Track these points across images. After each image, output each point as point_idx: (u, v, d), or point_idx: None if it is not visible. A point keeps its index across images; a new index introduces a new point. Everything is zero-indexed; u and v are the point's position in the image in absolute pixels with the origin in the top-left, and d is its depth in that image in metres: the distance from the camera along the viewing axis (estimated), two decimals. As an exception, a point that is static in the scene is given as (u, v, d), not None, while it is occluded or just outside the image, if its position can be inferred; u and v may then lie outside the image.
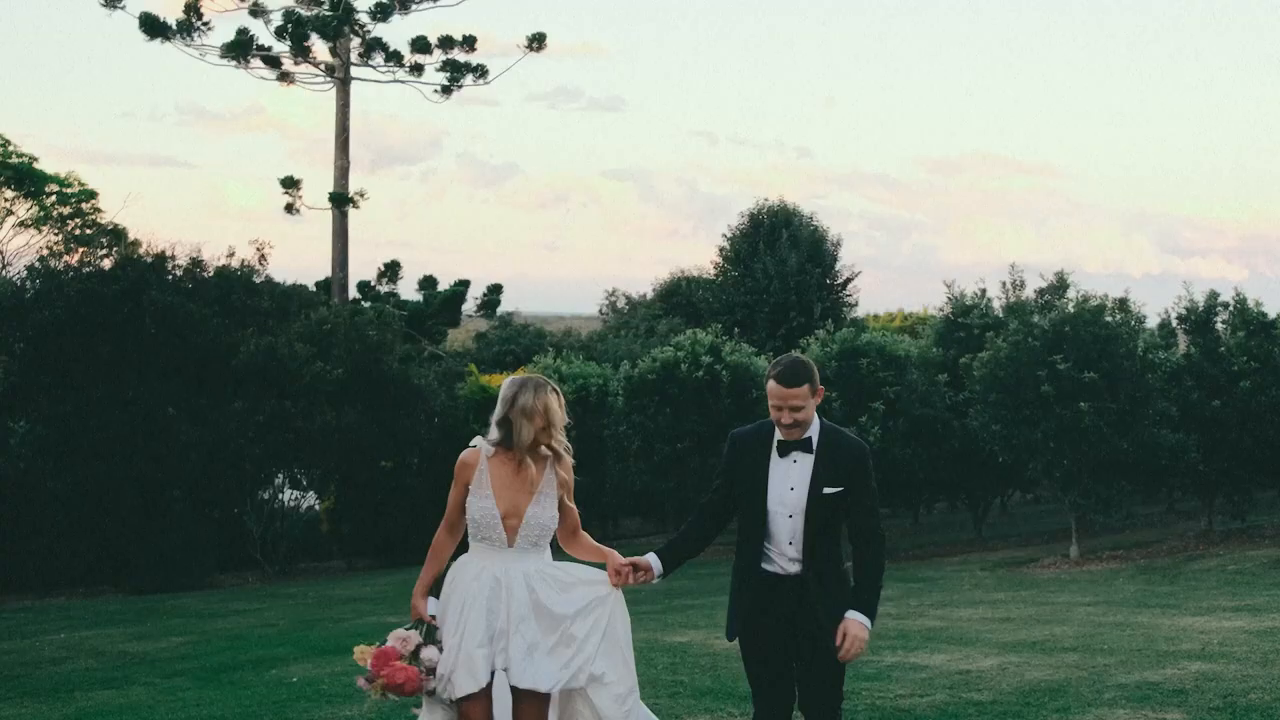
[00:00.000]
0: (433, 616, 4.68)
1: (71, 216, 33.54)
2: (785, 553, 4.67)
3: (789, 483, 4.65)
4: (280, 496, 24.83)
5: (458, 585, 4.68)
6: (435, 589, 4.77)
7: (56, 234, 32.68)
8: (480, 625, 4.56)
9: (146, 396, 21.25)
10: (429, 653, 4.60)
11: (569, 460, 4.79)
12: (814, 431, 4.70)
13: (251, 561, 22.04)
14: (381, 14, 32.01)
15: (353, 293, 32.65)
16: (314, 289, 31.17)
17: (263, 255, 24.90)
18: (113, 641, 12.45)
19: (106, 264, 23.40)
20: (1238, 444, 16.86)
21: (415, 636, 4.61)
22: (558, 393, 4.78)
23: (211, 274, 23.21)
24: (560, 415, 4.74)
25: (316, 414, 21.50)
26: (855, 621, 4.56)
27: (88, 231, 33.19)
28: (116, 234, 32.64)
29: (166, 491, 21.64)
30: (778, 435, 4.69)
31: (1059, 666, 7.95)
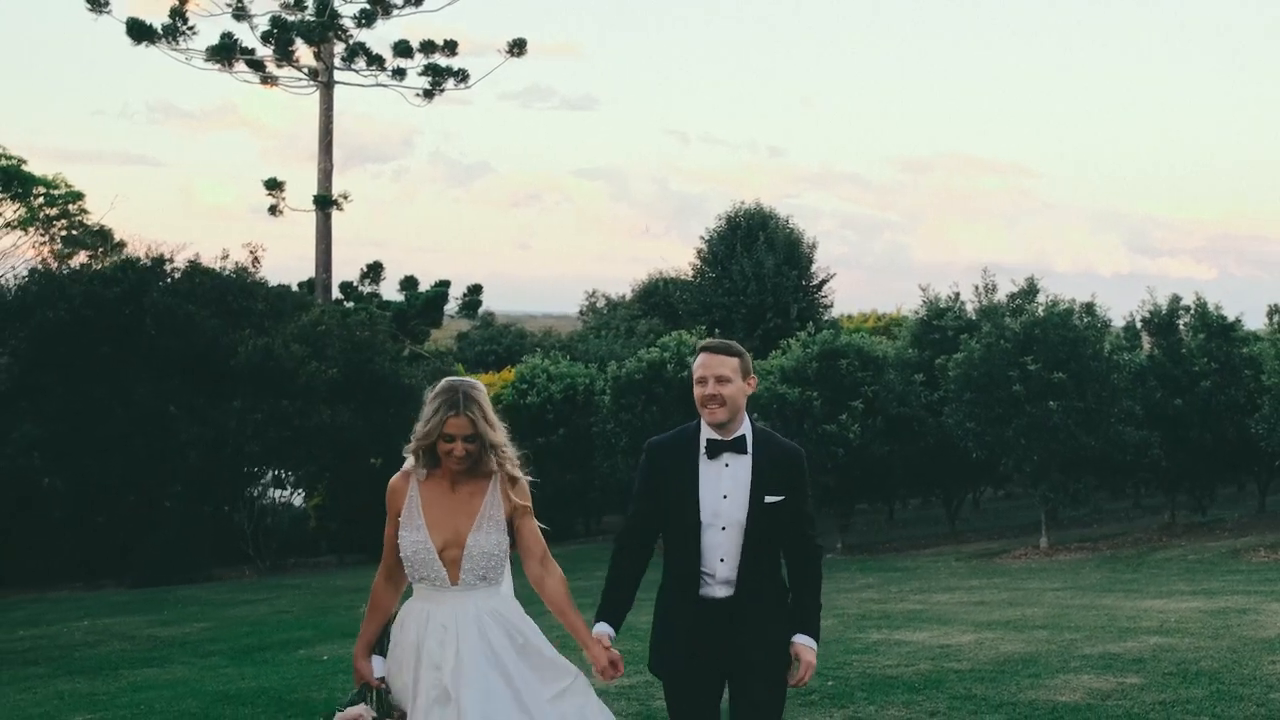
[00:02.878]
0: (380, 680, 4.09)
1: (58, 218, 34.02)
2: (716, 573, 4.09)
3: (721, 489, 4.09)
4: (271, 494, 25.56)
5: (407, 634, 4.05)
6: (380, 645, 4.17)
7: (43, 235, 33.16)
8: (431, 682, 3.95)
9: (147, 396, 21.84)
10: None
11: (523, 481, 4.14)
12: (746, 430, 4.17)
13: (243, 557, 22.64)
14: (366, 20, 32.61)
15: (335, 293, 33.25)
16: (297, 289, 31.79)
17: (255, 258, 25.61)
18: (138, 627, 13.10)
19: (96, 266, 24.00)
20: (1199, 441, 17.76)
21: (366, 712, 4.00)
22: (482, 400, 4.08)
23: (209, 276, 23.80)
24: (496, 423, 4.08)
25: (313, 412, 22.15)
26: (805, 646, 4.15)
27: (74, 233, 33.71)
28: (103, 235, 33.22)
29: (166, 488, 22.29)
30: (705, 433, 4.13)
31: (1030, 641, 8.76)
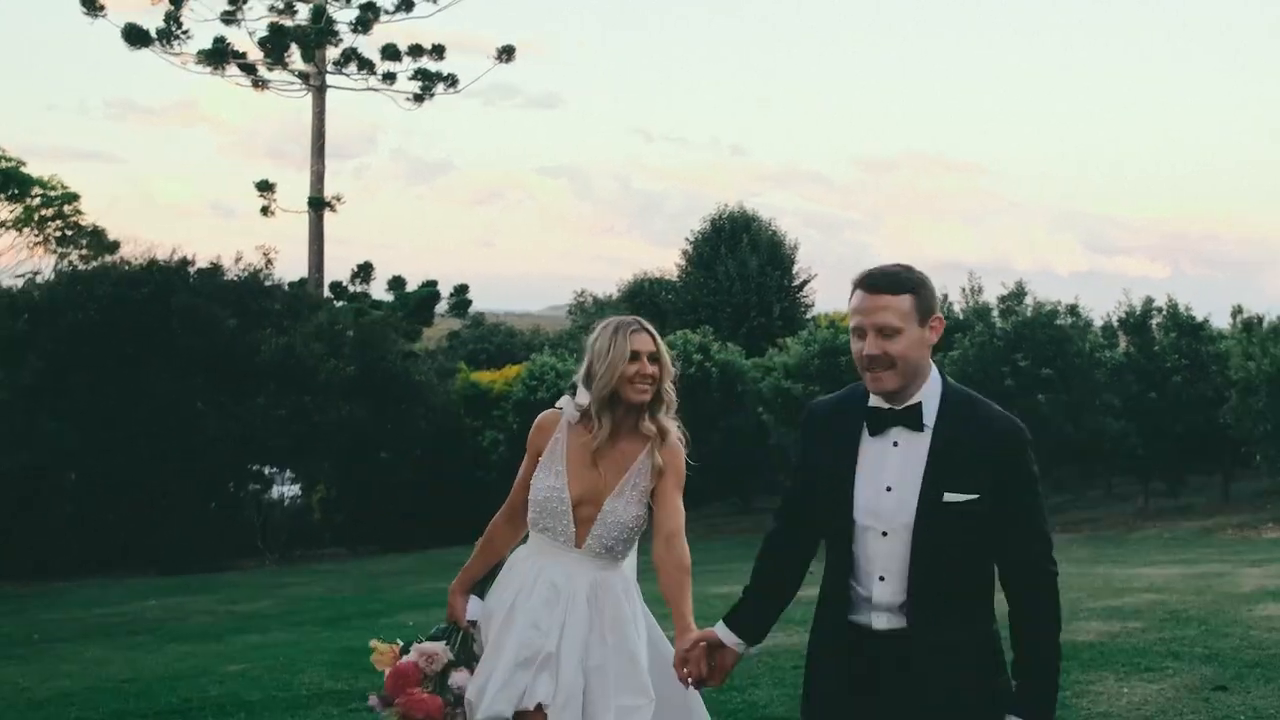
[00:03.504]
0: (472, 623, 3.82)
1: (53, 219, 34.92)
2: (873, 595, 3.00)
3: (884, 479, 2.98)
4: (280, 488, 26.66)
5: (510, 585, 3.77)
6: (481, 587, 3.90)
7: (37, 235, 34.07)
8: (525, 640, 3.62)
9: (173, 393, 22.86)
10: (459, 677, 3.71)
11: (675, 437, 3.77)
12: (929, 394, 2.99)
13: (252, 549, 23.65)
14: (362, 26, 33.67)
15: (325, 292, 34.18)
16: (287, 289, 32.81)
17: (269, 260, 26.68)
18: (208, 605, 14.16)
19: (125, 267, 24.99)
20: (1171, 431, 19.22)
21: (444, 653, 3.75)
22: (655, 336, 3.77)
23: (231, 278, 24.85)
24: (668, 366, 3.77)
25: (331, 408, 23.26)
26: None
27: (68, 233, 34.66)
28: (97, 235, 34.17)
29: (188, 482, 23.33)
30: (871, 400, 3.03)
31: (1040, 600, 10.06)
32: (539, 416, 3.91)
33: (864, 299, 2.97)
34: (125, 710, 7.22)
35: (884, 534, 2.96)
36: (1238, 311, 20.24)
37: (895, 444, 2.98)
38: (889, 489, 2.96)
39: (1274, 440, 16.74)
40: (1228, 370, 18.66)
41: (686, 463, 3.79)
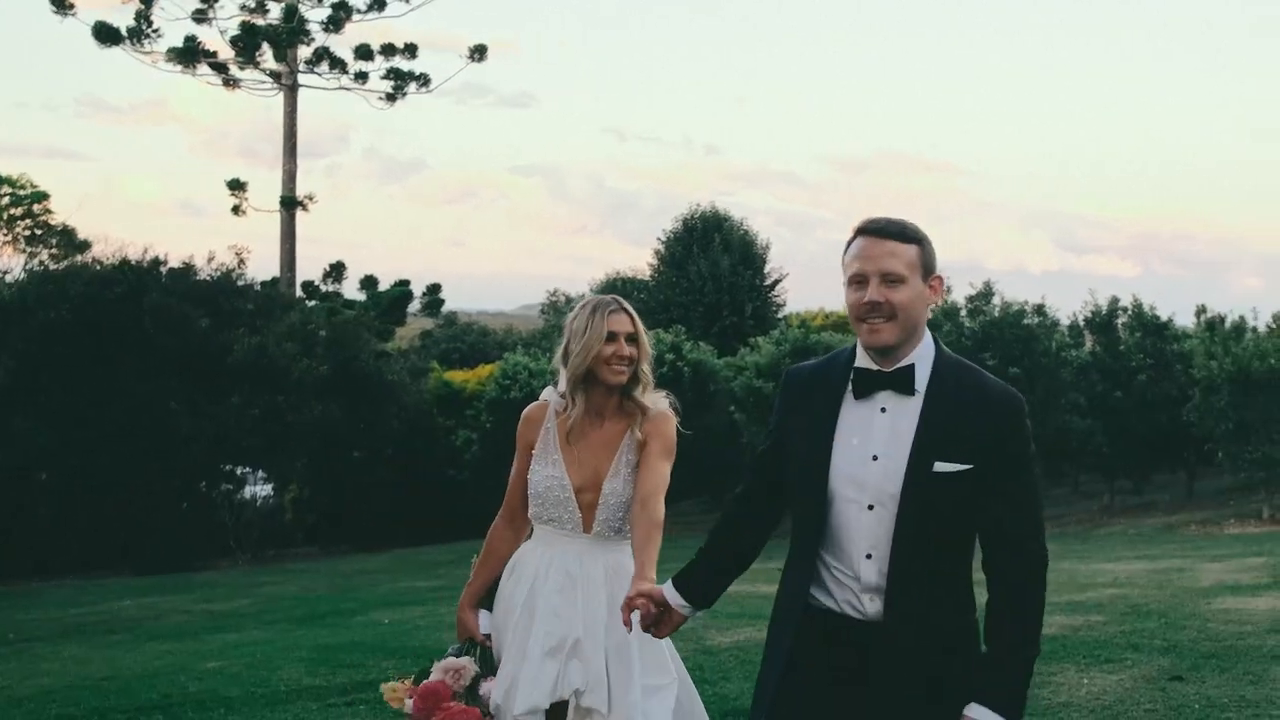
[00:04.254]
0: (487, 636, 3.70)
1: (22, 218, 34.82)
2: (859, 575, 2.78)
3: (870, 446, 2.78)
4: (251, 488, 26.69)
5: (521, 581, 3.69)
6: (489, 600, 3.78)
7: (6, 234, 33.97)
8: (549, 630, 3.55)
9: (146, 393, 22.85)
10: (488, 686, 3.61)
11: (666, 413, 3.73)
12: (922, 357, 2.82)
13: (225, 549, 23.67)
14: (334, 25, 33.68)
15: (297, 292, 34.20)
16: (259, 287, 32.83)
17: (242, 260, 26.69)
18: (183, 604, 14.22)
19: (96, 267, 24.97)
20: (1136, 429, 19.51)
21: (470, 666, 3.63)
22: (634, 317, 3.75)
23: (204, 277, 24.84)
24: (645, 348, 3.74)
25: (304, 408, 23.30)
26: None
27: (38, 232, 34.57)
28: (67, 234, 34.07)
29: (161, 482, 23.31)
30: (857, 361, 2.85)
31: (1005, 595, 10.27)
32: (525, 410, 3.87)
33: (869, 244, 2.79)
34: (106, 707, 7.31)
35: (870, 507, 2.76)
36: (1202, 311, 20.58)
37: (883, 410, 2.80)
38: (875, 458, 2.77)
39: (1236, 438, 17.04)
40: (1192, 369, 18.96)
41: (679, 430, 3.73)
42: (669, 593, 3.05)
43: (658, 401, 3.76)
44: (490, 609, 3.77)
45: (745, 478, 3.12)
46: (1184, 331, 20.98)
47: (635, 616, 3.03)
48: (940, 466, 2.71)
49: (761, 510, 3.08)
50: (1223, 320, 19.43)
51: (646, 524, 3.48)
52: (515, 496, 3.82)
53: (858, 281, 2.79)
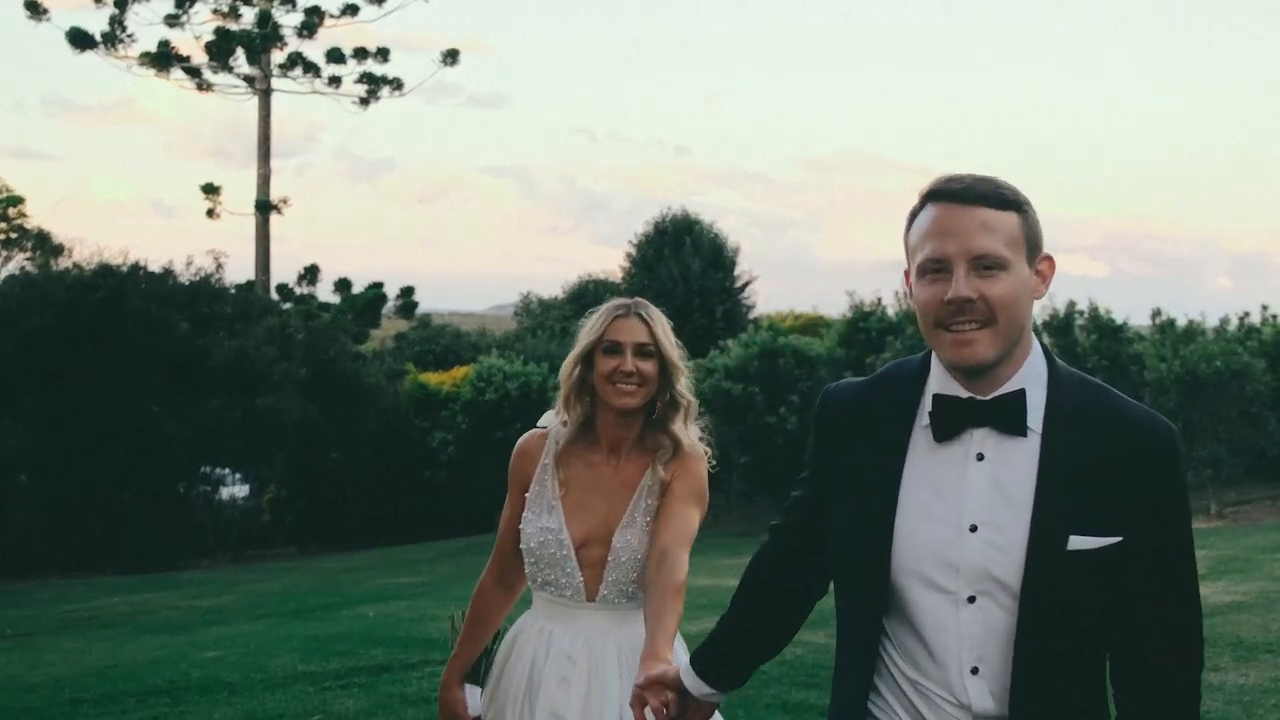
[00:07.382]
0: (477, 718, 3.14)
1: (-3, 221, 35.07)
2: (965, 700, 1.98)
3: (965, 511, 1.97)
4: (229, 488, 27.15)
5: (520, 662, 3.02)
6: (476, 673, 3.20)
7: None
8: None
9: (127, 396, 23.26)
10: None
11: (694, 451, 3.00)
12: (1032, 378, 2.00)
13: (204, 550, 24.08)
14: (307, 30, 34.11)
15: (272, 294, 34.56)
16: (234, 291, 33.23)
17: (220, 264, 27.14)
18: (171, 600, 14.66)
19: (76, 272, 25.36)
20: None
21: None
22: (660, 314, 3.09)
23: (182, 281, 25.27)
24: (675, 354, 3.00)
25: (284, 410, 23.77)
26: None
27: (13, 236, 34.88)
28: (42, 239, 34.40)
29: (143, 484, 23.72)
30: (934, 383, 2.03)
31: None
32: (520, 442, 3.11)
33: (949, 214, 1.93)
34: (116, 691, 7.81)
35: (970, 599, 1.94)
36: (1157, 313, 21.34)
37: (980, 457, 1.97)
38: (973, 528, 1.94)
39: (1184, 438, 17.74)
40: (1144, 370, 19.66)
41: (710, 470, 3.02)
42: (688, 678, 2.31)
43: (689, 435, 3.01)
44: (477, 683, 3.18)
45: (778, 531, 2.31)
46: (1138, 334, 21.70)
47: (649, 715, 2.30)
48: (1077, 543, 1.89)
49: (800, 574, 2.27)
50: (1173, 324, 20.14)
51: (663, 586, 2.71)
52: (505, 544, 3.11)
53: (934, 269, 1.95)
